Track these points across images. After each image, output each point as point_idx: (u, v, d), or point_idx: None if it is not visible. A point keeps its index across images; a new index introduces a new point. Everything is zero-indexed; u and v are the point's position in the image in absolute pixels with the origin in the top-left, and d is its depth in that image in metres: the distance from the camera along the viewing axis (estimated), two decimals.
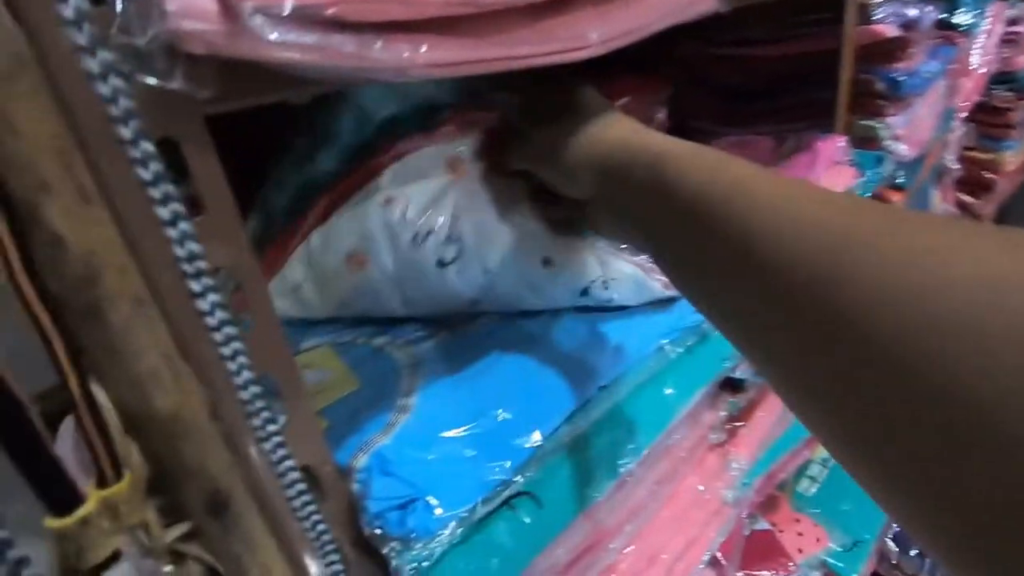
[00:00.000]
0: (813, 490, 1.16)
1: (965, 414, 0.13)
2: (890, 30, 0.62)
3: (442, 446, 0.32)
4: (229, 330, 0.15)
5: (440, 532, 0.29)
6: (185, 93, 0.16)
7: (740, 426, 0.56)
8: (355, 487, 0.30)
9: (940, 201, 0.88)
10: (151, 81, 0.15)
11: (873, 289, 0.16)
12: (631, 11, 0.30)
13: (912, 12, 0.62)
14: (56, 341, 0.11)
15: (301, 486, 0.18)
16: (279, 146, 0.44)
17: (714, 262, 0.23)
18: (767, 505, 0.90)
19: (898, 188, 0.69)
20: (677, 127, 0.79)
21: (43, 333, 0.11)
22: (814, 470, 1.21)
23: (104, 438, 0.13)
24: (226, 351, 0.15)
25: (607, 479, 0.36)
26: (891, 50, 0.64)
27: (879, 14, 0.60)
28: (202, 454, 0.14)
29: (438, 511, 0.29)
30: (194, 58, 0.16)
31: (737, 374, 0.47)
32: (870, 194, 0.63)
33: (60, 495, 0.12)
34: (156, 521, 0.14)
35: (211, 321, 0.14)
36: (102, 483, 0.13)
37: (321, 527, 0.20)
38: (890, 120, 0.66)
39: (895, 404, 0.15)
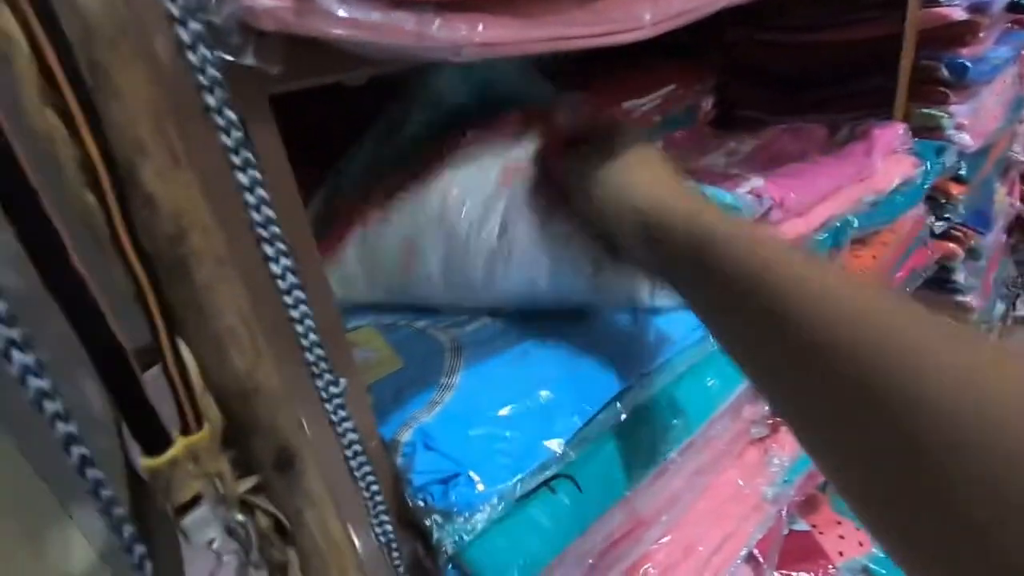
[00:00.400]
0: None
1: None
2: (956, 13, 0.59)
3: (484, 424, 0.33)
4: (299, 294, 0.16)
5: (481, 507, 0.29)
6: (255, 70, 0.17)
7: (780, 422, 0.55)
8: (399, 460, 0.31)
9: (1004, 195, 0.83)
10: (226, 57, 0.15)
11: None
12: None
13: None
14: (150, 295, 0.12)
15: (358, 447, 0.19)
16: (346, 132, 0.45)
17: (749, 337, 0.25)
18: (807, 505, 0.87)
19: (960, 180, 0.65)
20: (724, 116, 0.78)
21: (139, 288, 0.12)
22: None
23: (188, 391, 0.13)
24: (295, 314, 0.16)
25: (647, 467, 0.36)
26: (957, 34, 0.60)
27: None
28: (272, 413, 0.14)
29: (480, 487, 0.30)
30: (265, 35, 0.17)
31: None
32: (930, 184, 0.60)
33: (153, 438, 0.13)
34: (229, 472, 0.15)
35: (282, 284, 0.15)
36: (186, 431, 0.14)
37: (376, 490, 0.20)
38: (953, 108, 0.62)
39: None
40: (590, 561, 0.37)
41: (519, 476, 0.31)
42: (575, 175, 0.36)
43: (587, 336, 0.39)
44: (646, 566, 0.44)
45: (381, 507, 0.21)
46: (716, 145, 0.66)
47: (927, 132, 0.64)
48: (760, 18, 0.72)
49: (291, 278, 0.16)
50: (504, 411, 0.33)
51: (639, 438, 0.36)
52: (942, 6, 0.59)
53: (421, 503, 0.30)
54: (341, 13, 0.16)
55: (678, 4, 0.29)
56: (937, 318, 0.20)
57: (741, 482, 0.51)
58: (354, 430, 0.19)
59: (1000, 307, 1.71)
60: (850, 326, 0.20)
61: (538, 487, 0.32)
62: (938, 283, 0.72)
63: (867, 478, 0.20)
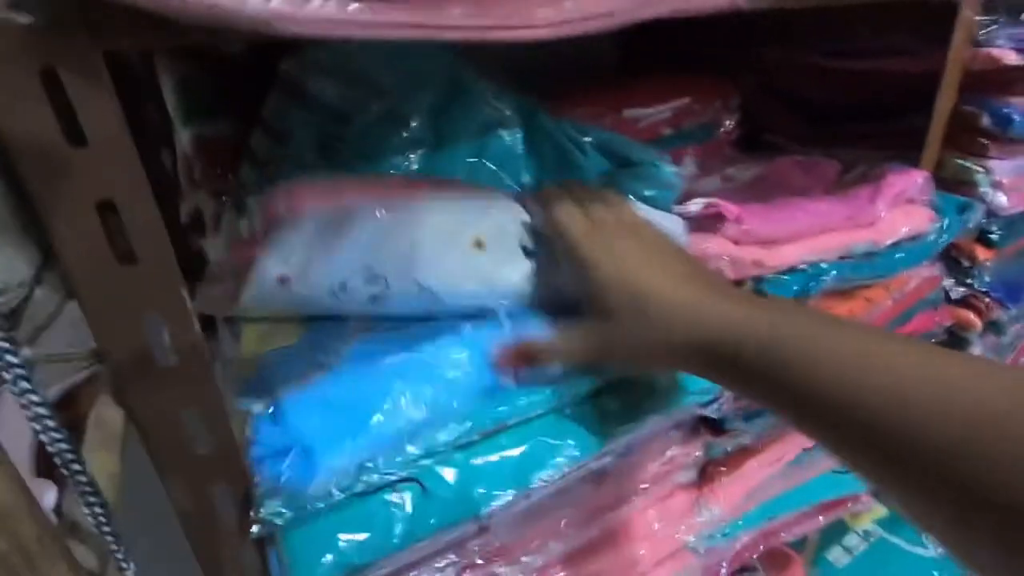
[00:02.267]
0: (845, 561, 1.05)
1: None
2: (1009, 56, 0.52)
3: (340, 410, 0.32)
4: None
5: (310, 488, 0.29)
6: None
7: (722, 471, 0.52)
8: (247, 431, 0.31)
9: None
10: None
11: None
12: None
13: None
14: None
15: (48, 422, 0.19)
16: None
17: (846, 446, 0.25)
18: (776, 563, 0.82)
19: (989, 244, 0.58)
20: (749, 138, 0.73)
21: None
22: (851, 540, 1.09)
23: None
24: None
25: (516, 487, 0.34)
26: (1007, 81, 0.53)
27: (995, 37, 0.51)
28: None
29: (314, 467, 0.29)
30: None
31: (710, 412, 0.43)
32: (946, 243, 0.54)
33: None
34: None
35: None
36: None
37: (74, 466, 0.20)
38: (992, 164, 0.56)
39: None
40: (449, 571, 0.36)
41: (358, 463, 0.30)
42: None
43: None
44: None
45: (85, 485, 0.21)
46: (716, 168, 0.62)
47: (959, 186, 0.58)
48: (798, 39, 0.67)
49: None
50: (373, 403, 0.33)
51: (511, 456, 0.35)
52: (993, 47, 0.52)
53: (255, 476, 0.30)
54: None
55: (584, 7, 0.27)
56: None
57: (657, 525, 0.48)
58: (41, 403, 0.18)
59: None
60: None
61: (382, 487, 0.32)
62: None
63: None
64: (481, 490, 0.33)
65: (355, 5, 0.22)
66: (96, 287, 0.25)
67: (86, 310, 0.25)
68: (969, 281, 0.59)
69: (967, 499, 0.19)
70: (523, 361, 0.34)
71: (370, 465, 0.31)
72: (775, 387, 0.26)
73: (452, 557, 0.36)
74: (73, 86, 0.21)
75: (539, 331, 0.36)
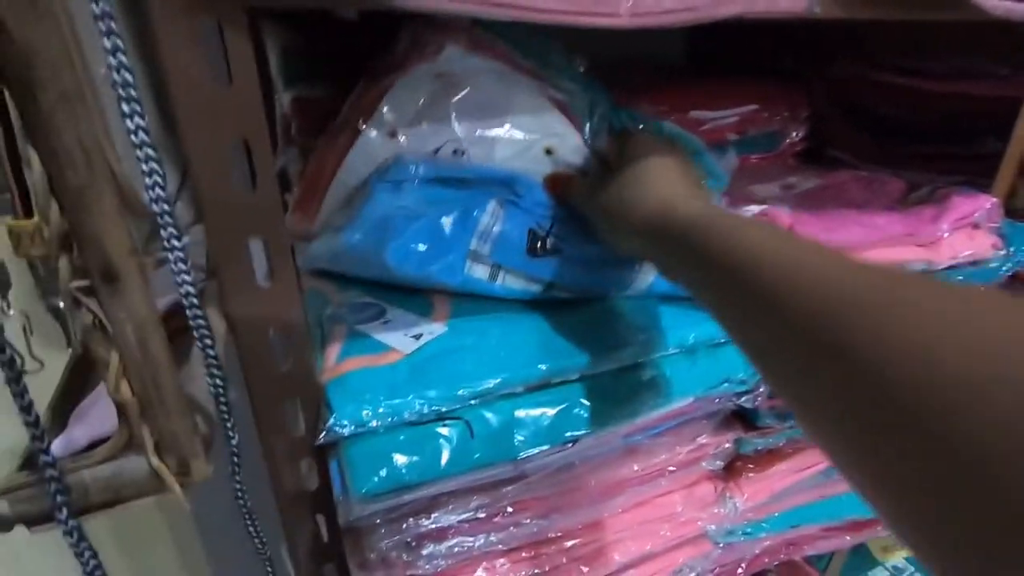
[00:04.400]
0: None
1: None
2: None
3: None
4: (149, 152, 0.19)
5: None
6: None
7: (750, 468, 0.53)
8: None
9: None
10: None
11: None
12: None
13: None
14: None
15: (195, 299, 0.23)
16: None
17: (744, 320, 0.27)
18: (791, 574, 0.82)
19: None
20: (814, 152, 0.73)
21: None
22: (879, 574, 1.06)
23: (21, 185, 0.18)
24: (144, 168, 0.19)
25: (546, 441, 0.37)
26: None
27: None
28: (101, 231, 0.18)
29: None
30: None
31: (744, 403, 0.44)
32: (1007, 272, 0.53)
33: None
34: (66, 267, 0.19)
35: (135, 139, 0.19)
36: (16, 216, 0.19)
37: (209, 344, 0.24)
38: None
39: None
40: (481, 512, 0.39)
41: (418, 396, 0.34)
42: (590, 194, 0.39)
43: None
44: (552, 548, 0.45)
45: (213, 359, 0.24)
46: (778, 175, 0.63)
47: None
48: (874, 54, 0.66)
49: (143, 136, 0.19)
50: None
51: (550, 412, 0.37)
52: None
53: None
54: None
55: (665, 1, 0.29)
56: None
57: (680, 508, 0.49)
58: (191, 284, 0.22)
59: None
60: (849, 307, 0.21)
61: (434, 420, 0.35)
62: None
63: (875, 457, 0.20)
64: (520, 438, 0.36)
65: None
66: (218, 211, 0.29)
67: (208, 230, 0.30)
68: None
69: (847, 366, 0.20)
70: (560, 185, 0.41)
71: (424, 398, 0.34)
72: (696, 258, 0.30)
73: (485, 499, 0.39)
74: (228, 34, 0.26)
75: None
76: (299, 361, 0.35)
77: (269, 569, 0.32)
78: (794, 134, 0.71)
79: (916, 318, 0.19)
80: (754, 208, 0.45)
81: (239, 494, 0.29)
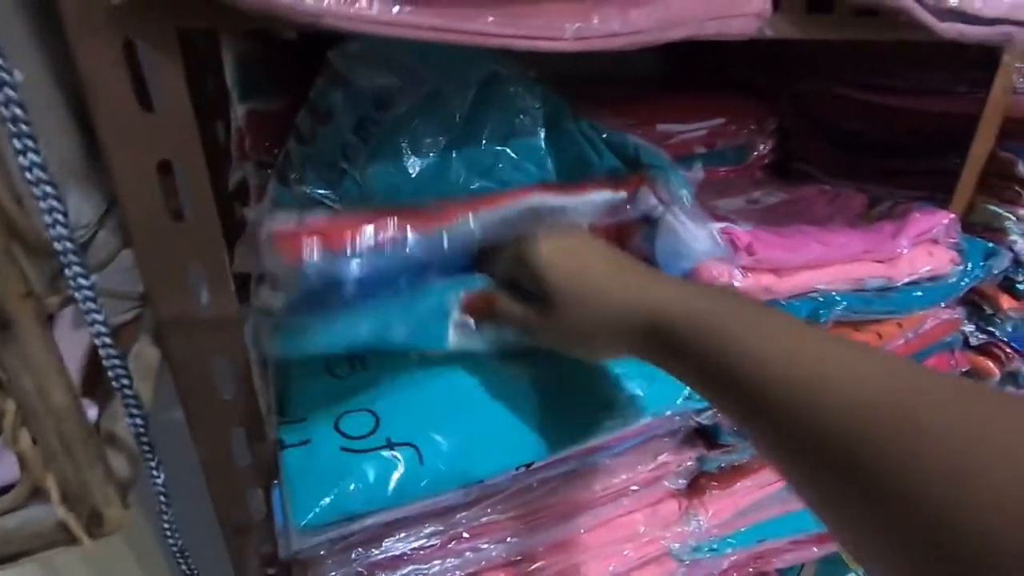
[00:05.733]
0: None
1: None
2: None
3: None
4: (48, 188, 0.18)
5: None
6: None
7: (714, 485, 0.52)
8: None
9: None
10: None
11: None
12: (625, 13, 0.29)
13: None
14: None
15: (107, 339, 0.22)
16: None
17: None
18: None
19: (1014, 294, 0.57)
20: (780, 165, 0.74)
21: None
22: None
23: None
24: (44, 205, 0.18)
25: (500, 466, 0.36)
26: None
27: None
28: None
29: None
30: None
31: (703, 420, 0.44)
32: (967, 287, 0.54)
33: None
34: None
35: (24, 161, 0.18)
36: None
37: (126, 383, 0.23)
38: None
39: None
40: (435, 539, 0.38)
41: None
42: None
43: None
44: (512, 572, 0.44)
45: (131, 400, 0.23)
46: (745, 189, 0.63)
47: (988, 232, 0.57)
48: (839, 71, 0.67)
49: (38, 173, 0.18)
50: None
51: (503, 433, 0.37)
52: None
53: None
54: None
55: (611, 25, 0.29)
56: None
57: (643, 527, 0.49)
58: (102, 323, 0.21)
59: None
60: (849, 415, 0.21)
61: (380, 447, 0.34)
62: None
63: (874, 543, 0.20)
64: (473, 463, 0.35)
65: (397, 7, 0.25)
66: (148, 237, 0.28)
67: (138, 257, 0.28)
68: (991, 329, 0.59)
69: (870, 493, 0.20)
70: (483, 311, 0.36)
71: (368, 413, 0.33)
72: (701, 365, 0.28)
73: (438, 526, 0.38)
74: (148, 57, 0.25)
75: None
76: (244, 388, 0.34)
77: None
78: (761, 147, 0.72)
79: (946, 442, 0.19)
80: (717, 225, 0.45)
81: (168, 533, 0.28)
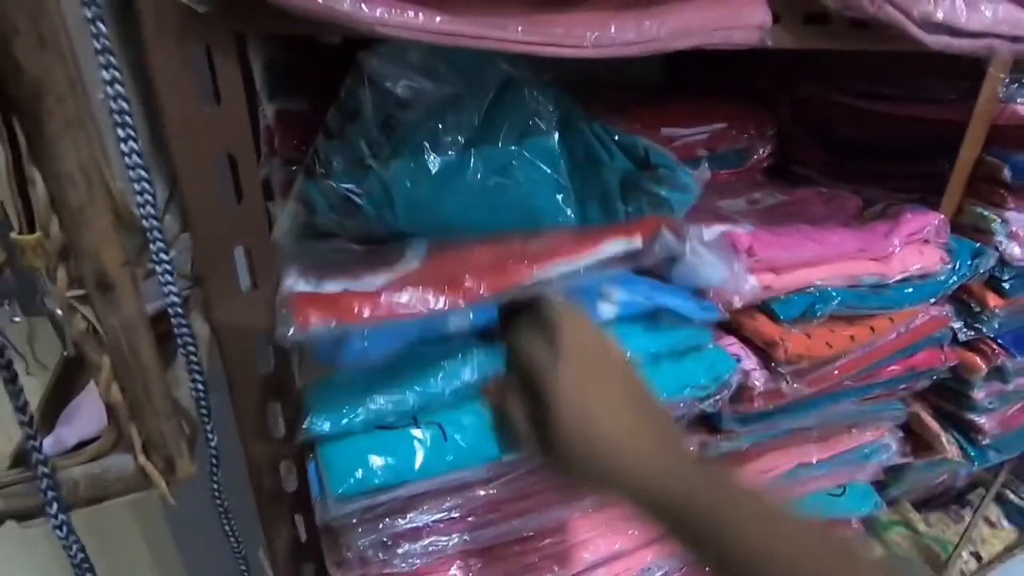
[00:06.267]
0: None
1: None
2: None
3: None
4: (141, 172, 0.21)
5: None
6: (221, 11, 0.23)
7: None
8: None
9: None
10: None
11: None
12: (640, 23, 0.32)
13: None
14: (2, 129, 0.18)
15: (179, 308, 0.24)
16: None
17: None
18: None
19: (1000, 292, 0.60)
20: (779, 168, 0.77)
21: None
22: None
23: (26, 204, 0.19)
24: (136, 187, 0.21)
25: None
26: None
27: (1021, 94, 0.53)
28: (97, 245, 0.20)
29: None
30: None
31: (706, 407, 0.47)
32: (955, 286, 0.56)
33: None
34: (63, 277, 0.21)
35: (128, 161, 0.20)
36: (19, 232, 0.20)
37: (192, 351, 0.26)
38: (1010, 215, 0.58)
39: None
40: (455, 512, 0.41)
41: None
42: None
43: None
44: (524, 547, 0.47)
45: (195, 365, 0.26)
46: (745, 190, 0.66)
47: (976, 233, 0.60)
48: (836, 78, 0.70)
49: (136, 158, 0.21)
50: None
51: None
52: (1019, 103, 0.55)
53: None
54: None
55: (627, 34, 0.32)
56: None
57: None
58: (176, 294, 0.24)
59: None
60: None
61: (408, 424, 0.37)
62: (954, 393, 0.67)
63: None
64: (492, 442, 0.38)
65: (439, 18, 0.28)
66: (206, 222, 0.31)
67: (194, 239, 0.31)
68: (978, 326, 0.61)
69: None
70: (500, 398, 0.34)
71: (396, 398, 0.36)
72: (708, 541, 0.28)
73: (459, 500, 0.40)
74: (217, 58, 0.27)
75: None
76: (281, 364, 0.36)
77: (244, 568, 0.33)
78: (761, 151, 0.75)
79: None
80: (718, 228, 0.47)
81: (216, 494, 0.30)
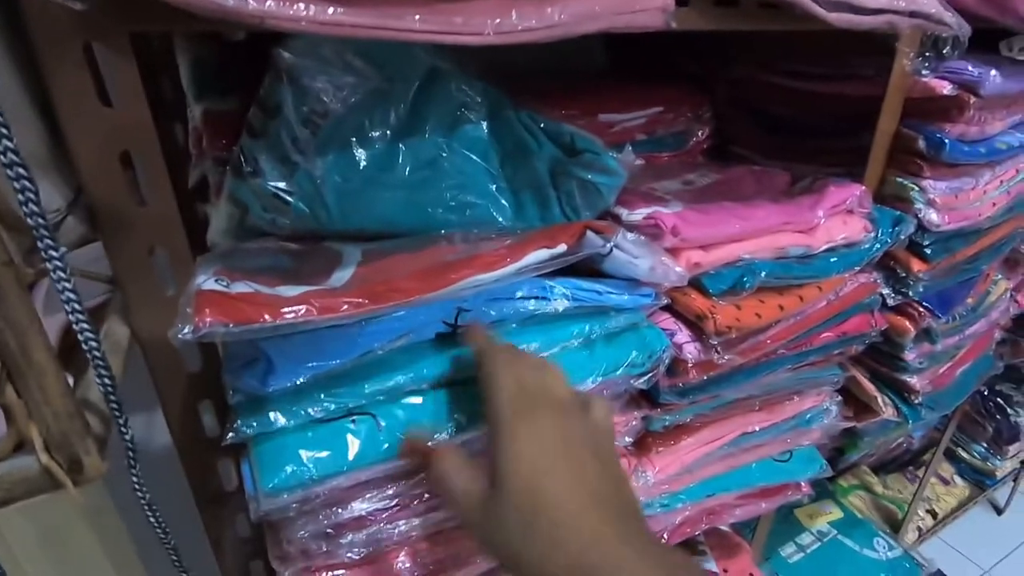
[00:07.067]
0: (797, 557, 1.10)
1: None
2: (943, 87, 0.58)
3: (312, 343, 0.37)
4: (21, 170, 0.21)
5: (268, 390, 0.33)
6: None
7: (659, 443, 0.57)
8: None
9: (1005, 289, 0.79)
10: None
11: None
12: (542, 9, 0.33)
13: (975, 72, 0.57)
14: None
15: (76, 305, 0.25)
16: None
17: None
18: (724, 548, 0.87)
19: (923, 258, 0.63)
20: (718, 149, 0.79)
21: None
22: (805, 539, 1.14)
23: None
24: (18, 184, 0.21)
25: (453, 431, 0.39)
26: (941, 108, 0.59)
27: (931, 69, 0.56)
28: None
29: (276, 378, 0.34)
30: None
31: (641, 385, 0.48)
32: (879, 253, 0.59)
33: None
34: None
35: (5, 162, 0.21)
36: None
37: (94, 346, 0.26)
38: (927, 183, 0.61)
39: None
40: (397, 499, 0.42)
41: (322, 391, 0.36)
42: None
43: None
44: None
45: (100, 361, 0.26)
46: (681, 172, 0.68)
47: (898, 202, 0.63)
48: (768, 60, 0.72)
49: (11, 156, 0.21)
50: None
51: (458, 401, 0.40)
52: (931, 78, 0.58)
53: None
54: None
55: (529, 20, 0.32)
56: None
57: None
58: (72, 291, 0.24)
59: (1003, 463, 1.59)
60: None
61: (341, 416, 0.37)
62: (887, 356, 0.70)
63: None
64: (427, 429, 0.38)
65: (332, 8, 0.28)
66: (115, 224, 0.31)
67: (106, 242, 0.31)
68: (904, 290, 0.64)
69: None
70: (418, 456, 0.35)
71: (330, 393, 0.36)
72: None
73: (400, 487, 0.41)
74: (105, 58, 0.27)
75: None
76: (209, 361, 0.36)
77: (175, 558, 0.34)
78: (699, 133, 0.77)
79: None
80: (644, 210, 0.49)
81: (136, 486, 0.30)
